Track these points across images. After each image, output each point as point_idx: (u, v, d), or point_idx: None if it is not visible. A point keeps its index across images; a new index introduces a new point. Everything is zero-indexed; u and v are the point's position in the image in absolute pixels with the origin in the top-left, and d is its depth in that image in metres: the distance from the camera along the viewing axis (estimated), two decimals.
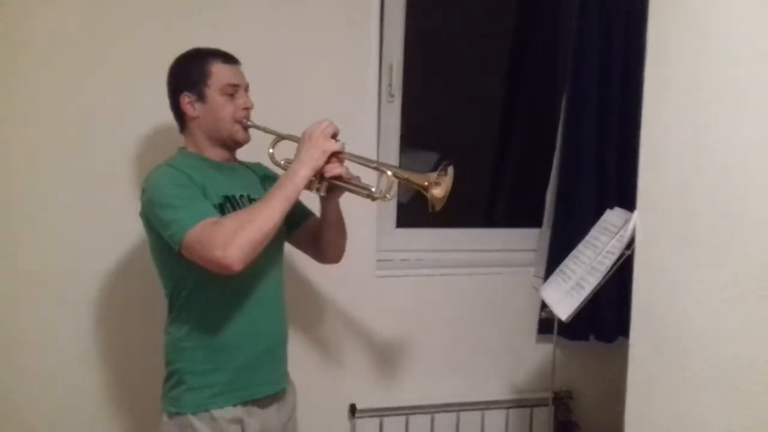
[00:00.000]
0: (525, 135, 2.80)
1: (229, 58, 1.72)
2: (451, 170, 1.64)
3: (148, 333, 1.95)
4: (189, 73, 1.69)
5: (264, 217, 1.53)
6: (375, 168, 1.74)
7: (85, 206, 2.06)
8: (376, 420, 2.34)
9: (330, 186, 1.70)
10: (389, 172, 1.68)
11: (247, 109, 1.73)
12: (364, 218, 2.23)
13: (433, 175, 1.63)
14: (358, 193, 1.71)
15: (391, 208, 2.45)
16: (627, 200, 1.72)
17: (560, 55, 2.50)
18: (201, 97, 1.68)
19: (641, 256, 1.48)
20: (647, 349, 1.43)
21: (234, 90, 1.70)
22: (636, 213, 1.50)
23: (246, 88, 1.75)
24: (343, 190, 1.73)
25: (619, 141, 2.39)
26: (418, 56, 2.44)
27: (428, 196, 1.63)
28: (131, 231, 1.92)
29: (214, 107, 1.68)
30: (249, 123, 1.73)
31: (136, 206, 1.67)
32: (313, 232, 1.86)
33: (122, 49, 2.05)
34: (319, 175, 1.66)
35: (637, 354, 1.47)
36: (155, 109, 1.85)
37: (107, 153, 2.06)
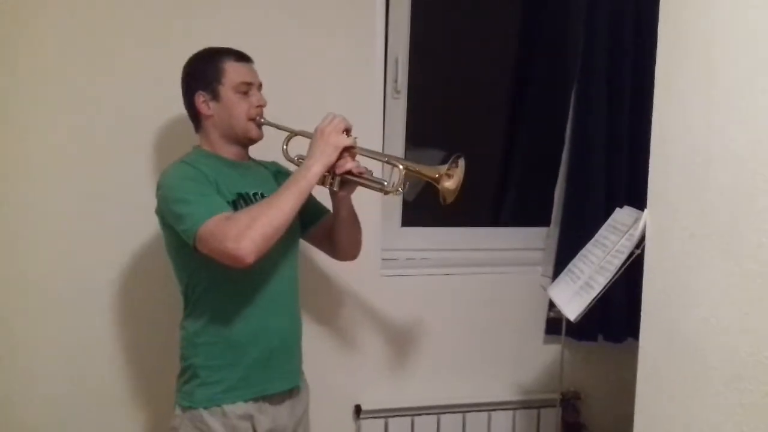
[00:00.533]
0: (533, 132, 2.78)
1: (242, 57, 1.74)
2: (462, 162, 1.65)
3: (162, 329, 1.97)
4: (203, 71, 1.72)
5: (276, 211, 1.55)
6: (386, 162, 1.76)
7: (99, 204, 2.06)
8: (382, 421, 2.33)
9: (343, 181, 1.71)
10: (401, 166, 1.69)
11: (261, 106, 1.75)
12: (369, 217, 2.21)
13: (444, 168, 1.64)
14: (370, 188, 1.73)
15: (396, 207, 2.43)
16: (637, 199, 1.70)
17: (569, 51, 2.47)
18: (215, 96, 1.70)
19: (651, 255, 1.46)
20: (658, 349, 1.41)
21: (247, 88, 1.73)
22: (646, 211, 1.48)
23: (259, 87, 1.77)
24: (355, 184, 1.75)
25: (628, 139, 2.37)
26: (424, 52, 2.42)
27: (440, 188, 1.65)
28: (146, 228, 1.95)
29: (228, 105, 1.70)
30: (262, 120, 1.75)
31: (151, 204, 1.68)
32: (329, 229, 1.88)
33: (131, 50, 2.05)
34: (332, 171, 1.67)
35: (647, 354, 1.45)
36: (170, 108, 1.89)
37: (122, 151, 2.06)
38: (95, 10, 2.01)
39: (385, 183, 1.72)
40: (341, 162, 1.67)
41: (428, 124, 2.58)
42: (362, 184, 1.73)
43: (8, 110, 1.98)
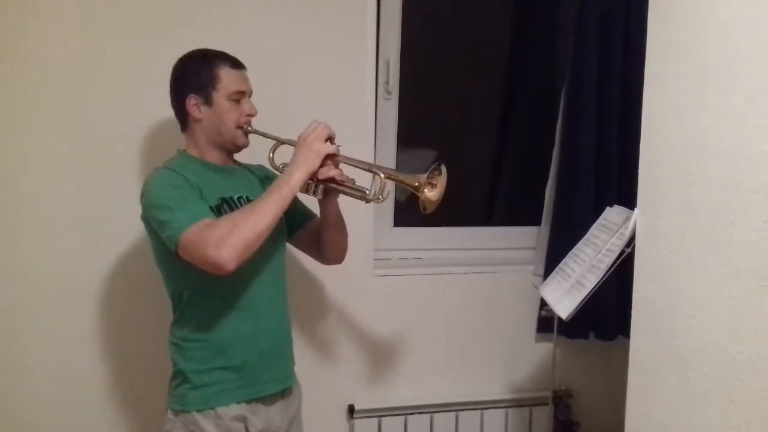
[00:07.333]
0: (524, 132, 2.78)
1: (237, 64, 1.73)
2: (444, 170, 1.65)
3: (155, 332, 1.96)
4: (197, 75, 1.70)
5: (258, 218, 1.54)
6: (368, 170, 1.74)
7: (91, 208, 2.05)
8: (375, 420, 2.33)
9: (325, 188, 1.72)
10: (382, 174, 1.69)
11: (251, 115, 1.75)
12: (362, 218, 2.22)
13: (424, 176, 1.64)
14: (352, 195, 1.73)
15: (388, 208, 2.44)
16: (627, 198, 1.71)
17: (559, 51, 2.48)
18: (207, 101, 1.69)
19: (642, 253, 1.47)
20: (648, 347, 1.42)
21: (240, 96, 1.72)
22: (636, 210, 1.49)
23: (250, 95, 1.76)
24: (338, 192, 1.75)
25: (619, 138, 2.38)
26: (415, 53, 2.42)
27: (420, 197, 1.64)
28: (138, 232, 1.92)
29: (220, 112, 1.70)
30: (251, 129, 1.74)
31: (138, 209, 1.68)
32: (315, 233, 1.88)
33: (122, 51, 2.04)
34: (315, 178, 1.67)
35: (638, 352, 1.46)
36: (157, 110, 1.87)
37: (113, 156, 2.05)
38: (86, 11, 2.01)
39: (367, 191, 1.72)
40: (324, 169, 1.67)
41: (420, 125, 2.59)
42: (344, 192, 1.73)
43: (5, 112, 1.97)
